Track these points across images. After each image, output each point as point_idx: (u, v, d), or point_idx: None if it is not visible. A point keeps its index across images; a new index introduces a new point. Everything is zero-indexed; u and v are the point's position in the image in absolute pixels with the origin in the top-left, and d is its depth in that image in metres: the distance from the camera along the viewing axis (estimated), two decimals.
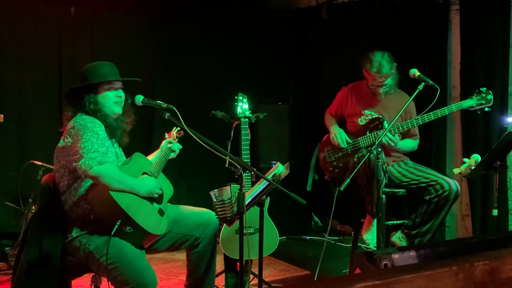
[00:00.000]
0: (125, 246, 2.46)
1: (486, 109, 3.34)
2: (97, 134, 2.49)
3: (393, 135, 3.44)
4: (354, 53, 5.23)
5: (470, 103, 3.31)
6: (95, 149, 2.43)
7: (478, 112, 3.36)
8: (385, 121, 3.55)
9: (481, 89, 3.33)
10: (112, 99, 2.66)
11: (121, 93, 2.70)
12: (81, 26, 4.68)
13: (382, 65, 3.53)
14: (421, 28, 4.61)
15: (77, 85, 2.65)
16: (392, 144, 3.45)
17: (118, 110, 2.69)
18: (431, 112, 3.31)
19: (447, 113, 3.37)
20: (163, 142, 3.01)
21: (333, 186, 3.75)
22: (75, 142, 2.46)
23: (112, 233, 2.38)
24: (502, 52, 4.15)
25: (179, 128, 2.86)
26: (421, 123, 3.40)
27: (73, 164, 2.45)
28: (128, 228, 2.42)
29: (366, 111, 3.71)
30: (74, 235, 2.48)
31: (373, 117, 3.66)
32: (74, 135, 2.49)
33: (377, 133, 3.55)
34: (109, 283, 2.47)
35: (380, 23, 4.91)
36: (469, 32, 4.33)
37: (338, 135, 3.69)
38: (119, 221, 2.39)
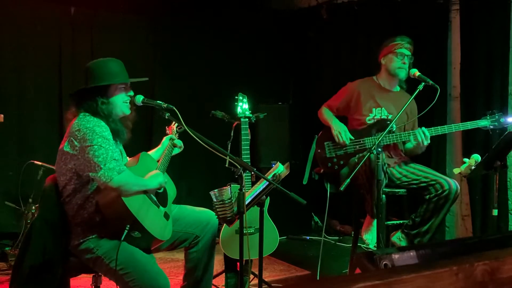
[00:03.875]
0: (135, 251, 2.43)
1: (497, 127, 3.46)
2: (107, 139, 2.42)
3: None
4: (354, 53, 5.25)
5: (484, 123, 3.44)
6: (110, 157, 2.37)
7: (490, 132, 3.51)
8: (394, 125, 3.49)
9: (494, 110, 3.48)
10: (122, 99, 2.60)
11: (132, 93, 2.66)
12: (81, 26, 4.68)
13: (406, 39, 3.60)
14: (421, 28, 4.61)
15: (90, 86, 2.51)
16: (426, 142, 3.44)
17: (127, 110, 2.64)
18: (445, 126, 3.48)
19: (461, 129, 3.51)
20: (164, 139, 2.99)
21: (326, 181, 3.70)
22: (85, 147, 2.38)
23: (123, 238, 2.35)
24: (502, 52, 4.15)
25: None
26: (434, 134, 3.44)
27: (90, 174, 2.36)
28: (136, 233, 2.39)
29: (376, 109, 3.67)
30: (81, 240, 2.43)
31: (382, 118, 3.64)
32: (81, 139, 2.39)
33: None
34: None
35: (380, 23, 4.91)
36: (469, 32, 4.34)
37: (343, 134, 3.61)
38: (128, 225, 2.36)
